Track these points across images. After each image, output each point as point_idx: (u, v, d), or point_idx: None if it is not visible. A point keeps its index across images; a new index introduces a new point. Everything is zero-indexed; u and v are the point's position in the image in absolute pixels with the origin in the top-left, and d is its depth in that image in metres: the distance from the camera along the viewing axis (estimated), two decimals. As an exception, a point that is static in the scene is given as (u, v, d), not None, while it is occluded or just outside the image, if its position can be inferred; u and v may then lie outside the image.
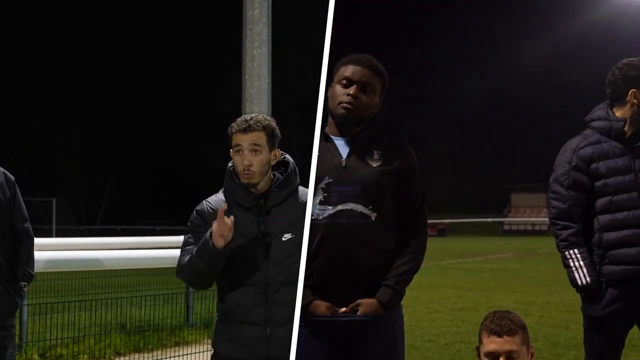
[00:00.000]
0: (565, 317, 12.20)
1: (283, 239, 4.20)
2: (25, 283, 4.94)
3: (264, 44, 6.89)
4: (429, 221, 4.35)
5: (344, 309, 4.04)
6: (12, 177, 4.97)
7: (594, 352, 4.83)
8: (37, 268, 5.26)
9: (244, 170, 4.19)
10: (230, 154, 4.29)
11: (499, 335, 3.93)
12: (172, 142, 51.40)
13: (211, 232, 4.01)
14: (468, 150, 61.84)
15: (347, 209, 4.07)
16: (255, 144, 4.20)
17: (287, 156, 4.36)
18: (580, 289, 4.77)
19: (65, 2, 49.80)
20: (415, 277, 4.22)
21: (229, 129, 4.27)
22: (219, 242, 3.97)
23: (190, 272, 4.17)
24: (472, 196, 62.72)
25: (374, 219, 4.08)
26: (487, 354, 3.97)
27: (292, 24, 38.96)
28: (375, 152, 4.18)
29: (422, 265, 4.25)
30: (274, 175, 4.30)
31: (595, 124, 4.83)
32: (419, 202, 4.24)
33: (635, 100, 4.73)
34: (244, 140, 4.20)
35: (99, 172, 51.18)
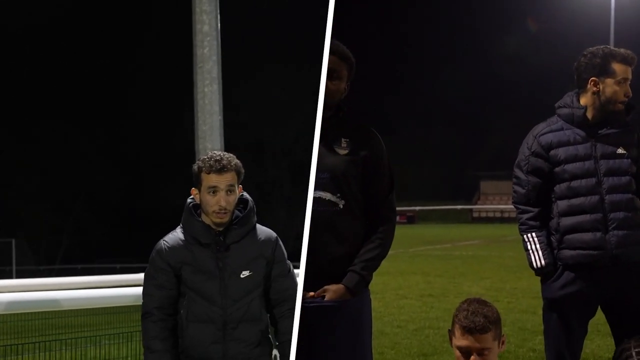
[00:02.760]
0: (533, 303, 12.22)
1: (242, 275, 4.20)
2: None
3: (215, 81, 6.95)
4: (398, 208, 4.32)
5: (311, 294, 4.04)
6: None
7: (551, 334, 4.86)
8: (-3, 310, 5.26)
9: (220, 210, 4.17)
10: (193, 192, 4.26)
11: (472, 333, 3.88)
12: (130, 182, 51.12)
13: None
14: (437, 138, 61.55)
15: (316, 197, 4.06)
16: (230, 185, 4.19)
17: (245, 194, 4.35)
18: (536, 271, 4.84)
19: (24, 44, 49.65)
20: (384, 263, 4.22)
21: (197, 167, 4.23)
22: None
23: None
24: (441, 183, 62.31)
25: (342, 206, 4.09)
26: (459, 348, 3.93)
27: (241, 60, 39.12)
28: (342, 139, 4.17)
29: (391, 252, 4.25)
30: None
31: (560, 111, 4.88)
32: (387, 189, 4.22)
33: (595, 88, 4.77)
34: (220, 182, 4.17)
35: (58, 212, 50.69)
